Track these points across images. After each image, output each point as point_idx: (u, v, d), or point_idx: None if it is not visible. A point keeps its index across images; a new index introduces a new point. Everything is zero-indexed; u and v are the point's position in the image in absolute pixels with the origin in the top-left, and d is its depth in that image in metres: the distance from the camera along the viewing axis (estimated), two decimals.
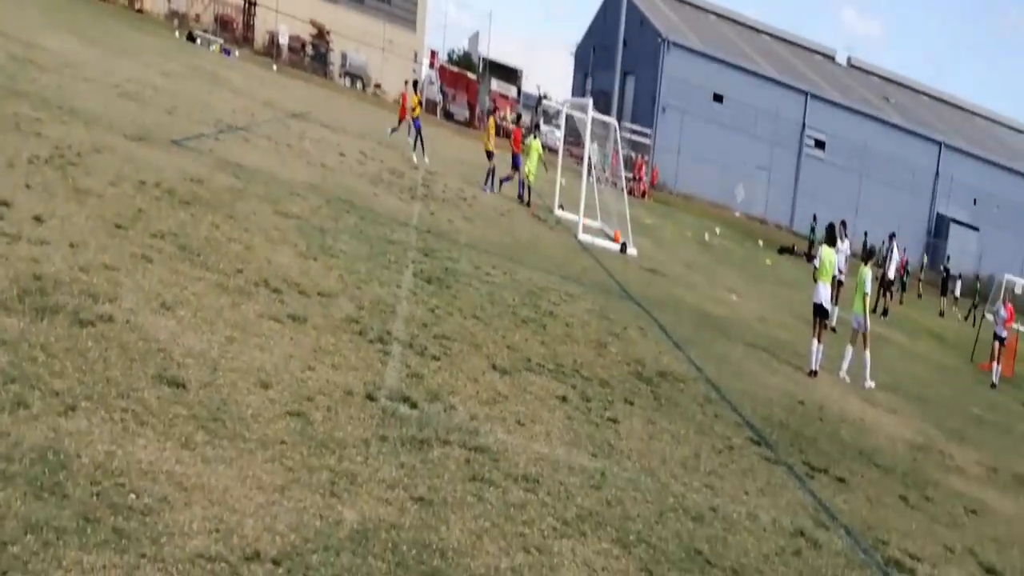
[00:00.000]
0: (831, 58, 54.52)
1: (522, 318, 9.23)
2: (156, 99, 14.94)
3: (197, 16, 39.11)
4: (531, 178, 19.15)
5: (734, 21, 52.92)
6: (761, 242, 31.25)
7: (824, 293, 11.80)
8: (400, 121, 21.16)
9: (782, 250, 30.68)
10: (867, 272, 12.07)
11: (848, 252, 17.61)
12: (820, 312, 11.73)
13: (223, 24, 39.45)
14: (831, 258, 12.21)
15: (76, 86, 13.43)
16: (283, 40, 40.11)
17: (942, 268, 34.45)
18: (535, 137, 20.17)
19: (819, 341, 11.54)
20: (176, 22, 36.69)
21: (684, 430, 7.37)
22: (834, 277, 12.43)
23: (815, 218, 29.40)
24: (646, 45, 42.67)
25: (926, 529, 7.04)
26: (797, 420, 8.97)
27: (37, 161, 8.38)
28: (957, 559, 6.64)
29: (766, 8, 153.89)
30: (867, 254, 13.75)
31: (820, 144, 44.09)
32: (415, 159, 19.55)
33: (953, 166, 45.09)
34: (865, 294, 11.89)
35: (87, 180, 8.33)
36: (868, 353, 11.90)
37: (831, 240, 12.59)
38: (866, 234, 29.28)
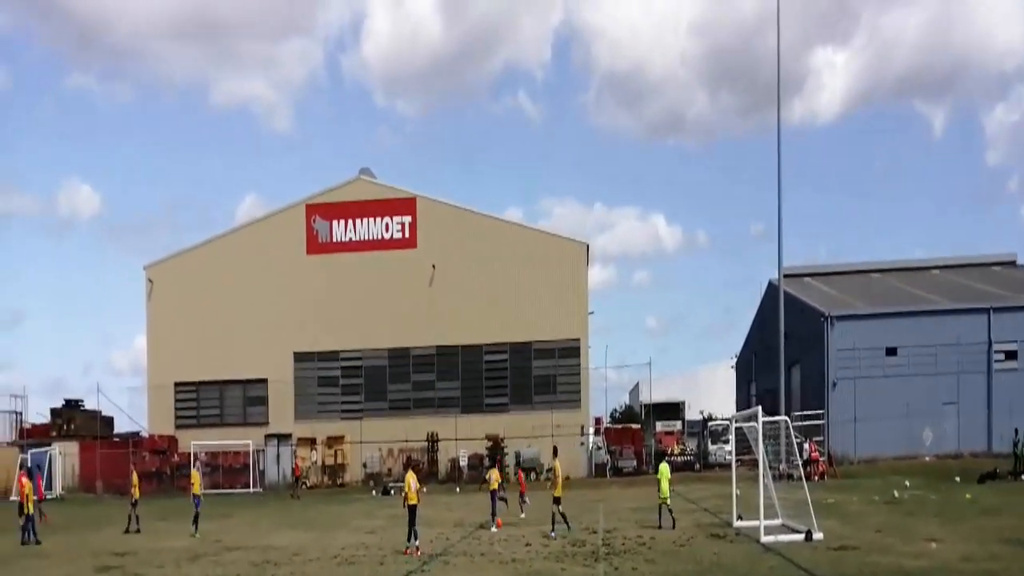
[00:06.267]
0: (1012, 263, 54.01)
1: None
2: (368, 556, 17.59)
3: (389, 470, 44.46)
4: (662, 500, 20.48)
5: (900, 270, 54.00)
6: (958, 478, 29.43)
7: None
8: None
9: (982, 478, 28.83)
10: None
11: None
12: None
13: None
14: None
15: (305, 569, 16.33)
16: (463, 463, 44.39)
17: None
18: (662, 461, 22.17)
19: None
20: (372, 483, 41.83)
21: None
22: None
23: (1017, 432, 27.76)
24: (808, 329, 44.43)
25: None
26: None
27: None
28: None
29: (939, 241, 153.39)
30: None
31: (1011, 355, 42.11)
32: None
33: None
34: None
35: None
36: None
37: None
38: None
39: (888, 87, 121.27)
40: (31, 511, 22.30)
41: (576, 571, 14.97)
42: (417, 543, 17.70)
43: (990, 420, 40.15)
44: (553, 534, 19.77)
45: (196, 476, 24.25)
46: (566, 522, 20.20)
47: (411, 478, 18.35)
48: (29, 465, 31.82)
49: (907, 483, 28.60)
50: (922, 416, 39.48)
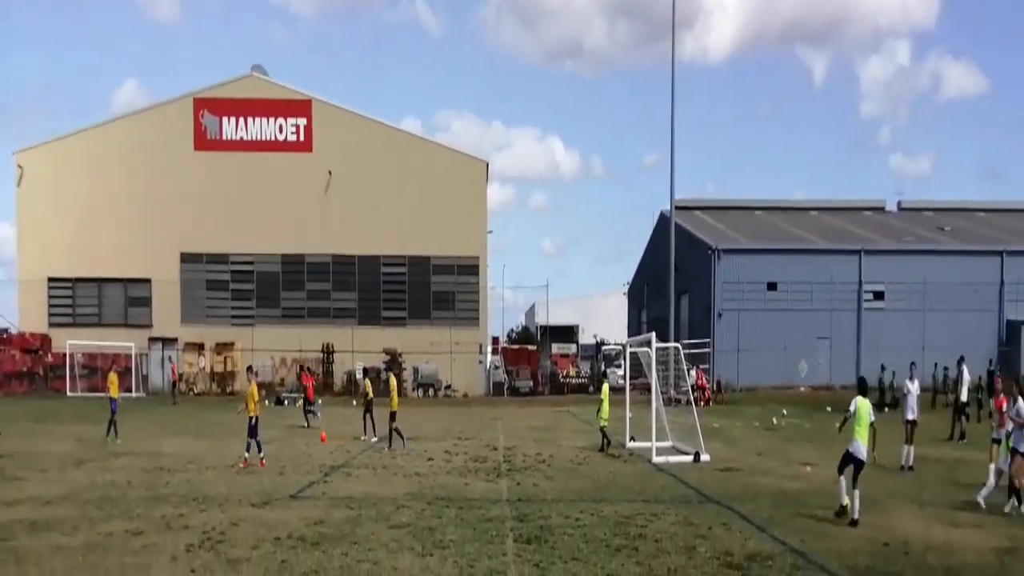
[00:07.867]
0: (881, 209, 57.56)
1: (615, 547, 10.41)
2: (268, 466, 17.31)
3: (282, 380, 43.79)
4: (604, 422, 20.51)
5: (782, 208, 56.86)
6: (829, 408, 31.81)
7: (858, 448, 11.88)
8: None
9: None
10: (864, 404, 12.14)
11: (918, 391, 18.35)
12: (849, 460, 11.92)
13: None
14: (865, 408, 12.06)
15: (202, 477, 15.95)
16: (359, 375, 44.13)
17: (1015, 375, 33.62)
18: (604, 382, 22.63)
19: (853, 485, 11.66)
20: (263, 392, 41.00)
21: None
22: (871, 424, 11.99)
23: (883, 368, 30.06)
24: (697, 261, 46.04)
25: None
26: (883, 560, 9.72)
27: (193, 548, 10.30)
28: None
29: (816, 183, 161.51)
30: (859, 388, 12.80)
31: (879, 295, 45.15)
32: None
33: (1018, 269, 45.08)
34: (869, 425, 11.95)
35: (235, 551, 10.17)
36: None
37: (862, 390, 12.57)
38: (936, 366, 29.60)
39: (774, 32, 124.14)
40: None
41: (479, 486, 15.25)
42: (262, 455, 17.58)
43: (859, 355, 43.23)
44: (391, 448, 20.12)
45: (113, 378, 22.85)
46: (401, 438, 20.42)
47: (253, 389, 17.88)
48: None
49: (784, 411, 30.76)
50: (798, 349, 42.24)
